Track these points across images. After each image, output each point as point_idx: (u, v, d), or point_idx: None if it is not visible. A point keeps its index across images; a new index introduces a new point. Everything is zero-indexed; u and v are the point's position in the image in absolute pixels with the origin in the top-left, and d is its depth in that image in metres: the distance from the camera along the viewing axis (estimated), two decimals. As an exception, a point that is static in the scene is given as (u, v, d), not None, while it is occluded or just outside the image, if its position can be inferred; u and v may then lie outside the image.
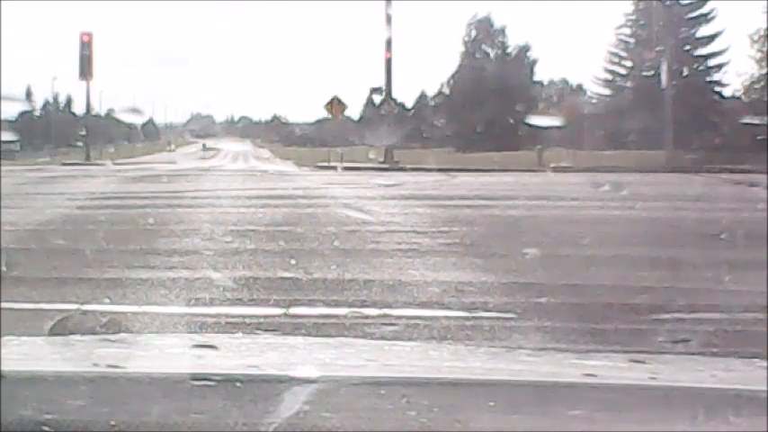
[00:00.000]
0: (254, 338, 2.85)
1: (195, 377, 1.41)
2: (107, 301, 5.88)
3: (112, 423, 1.28)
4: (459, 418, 1.33)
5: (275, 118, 79.01)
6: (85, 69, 40.36)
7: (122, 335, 2.32)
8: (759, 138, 24.34)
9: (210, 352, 1.79)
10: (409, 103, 53.45)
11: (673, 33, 36.49)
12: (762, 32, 36.36)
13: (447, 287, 6.32)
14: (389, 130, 33.61)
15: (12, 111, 54.77)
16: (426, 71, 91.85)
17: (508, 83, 42.00)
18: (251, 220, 10.99)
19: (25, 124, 50.58)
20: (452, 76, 47.40)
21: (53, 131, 54.46)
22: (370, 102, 48.35)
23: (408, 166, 25.66)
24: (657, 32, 36.49)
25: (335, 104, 31.85)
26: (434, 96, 52.60)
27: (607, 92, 41.83)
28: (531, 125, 33.21)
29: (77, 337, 2.14)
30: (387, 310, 5.61)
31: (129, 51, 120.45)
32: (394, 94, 38.66)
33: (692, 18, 39.56)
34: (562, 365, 1.86)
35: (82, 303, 5.66)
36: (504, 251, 7.97)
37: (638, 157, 27.99)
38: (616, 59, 41.52)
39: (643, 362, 1.79)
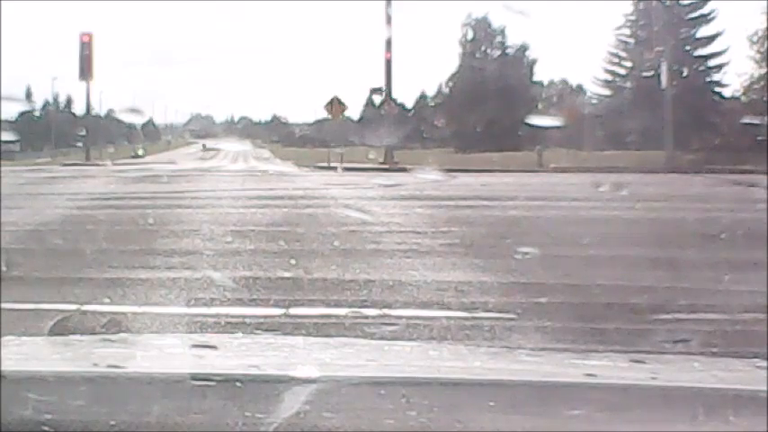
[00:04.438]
0: (254, 338, 2.85)
1: (195, 377, 1.41)
2: (107, 301, 5.88)
3: (112, 423, 1.28)
4: (460, 418, 1.33)
5: (275, 118, 79.13)
6: (85, 70, 40.40)
7: (122, 335, 2.33)
8: (759, 138, 24.36)
9: (210, 352, 1.79)
10: (409, 104, 53.55)
11: (673, 34, 36.50)
12: (760, 33, 36.38)
13: (447, 287, 6.32)
14: (389, 131, 33.61)
15: (12, 111, 54.86)
16: (426, 71, 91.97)
17: (508, 83, 42.05)
18: (251, 221, 10.99)
19: (25, 124, 50.60)
20: (452, 77, 47.49)
21: (53, 132, 54.48)
22: (370, 102, 48.39)
23: (408, 166, 25.66)
24: (657, 33, 36.50)
25: (335, 105, 31.85)
26: (434, 97, 52.71)
27: (607, 92, 41.87)
28: (530, 125, 33.23)
29: (77, 337, 2.14)
30: (387, 310, 5.60)
31: (129, 51, 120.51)
32: (394, 95, 38.68)
33: (691, 18, 39.58)
34: (562, 365, 1.86)
35: (82, 303, 5.66)
36: (504, 251, 7.96)
37: (638, 157, 28.00)
38: (616, 60, 41.57)
39: (643, 362, 1.78)
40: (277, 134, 73.59)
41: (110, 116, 55.57)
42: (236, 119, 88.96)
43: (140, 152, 55.87)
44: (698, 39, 39.75)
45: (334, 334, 4.87)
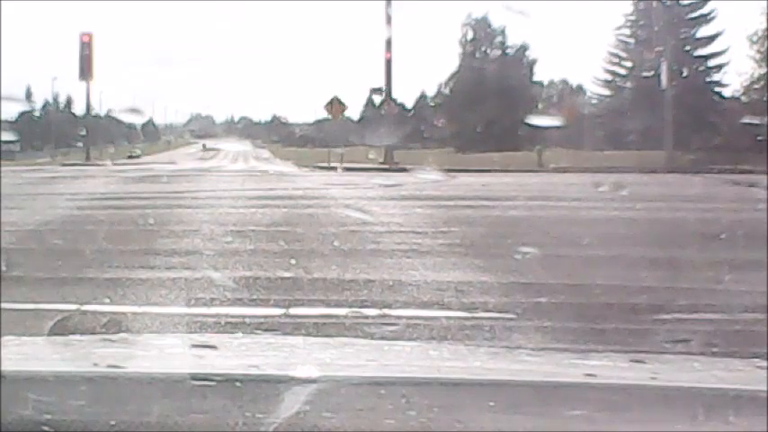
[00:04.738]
0: (254, 338, 2.85)
1: (195, 377, 1.41)
2: (107, 301, 5.88)
3: (112, 423, 1.28)
4: (460, 418, 1.33)
5: (275, 118, 79.10)
6: (85, 70, 40.44)
7: (122, 335, 2.33)
8: (759, 138, 24.35)
9: (210, 352, 1.79)
10: (409, 104, 53.59)
11: (673, 34, 36.51)
12: (760, 33, 36.39)
13: (447, 287, 6.32)
14: (389, 131, 33.64)
15: (12, 111, 54.87)
16: (426, 71, 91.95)
17: (508, 83, 42.06)
18: (251, 221, 10.99)
19: (25, 124, 50.62)
20: (452, 77, 47.50)
21: (53, 132, 54.48)
22: (370, 102, 48.48)
23: (408, 166, 25.66)
24: (657, 33, 36.52)
25: (335, 105, 31.86)
26: (434, 97, 52.72)
27: (607, 92, 41.88)
28: (530, 125, 33.25)
29: (77, 337, 2.15)
30: (387, 310, 5.60)
31: (129, 51, 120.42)
32: (394, 95, 38.72)
33: (691, 18, 39.58)
34: (562, 365, 1.86)
35: (82, 303, 5.66)
36: (504, 251, 7.96)
37: (638, 157, 27.99)
38: (616, 60, 41.58)
39: (643, 362, 1.78)
40: (277, 134, 73.59)
41: (110, 116, 55.48)
42: (236, 119, 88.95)
43: (137, 152, 54.61)
44: (698, 39, 39.75)
45: (334, 334, 4.87)
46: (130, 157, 49.51)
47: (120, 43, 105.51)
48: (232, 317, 5.37)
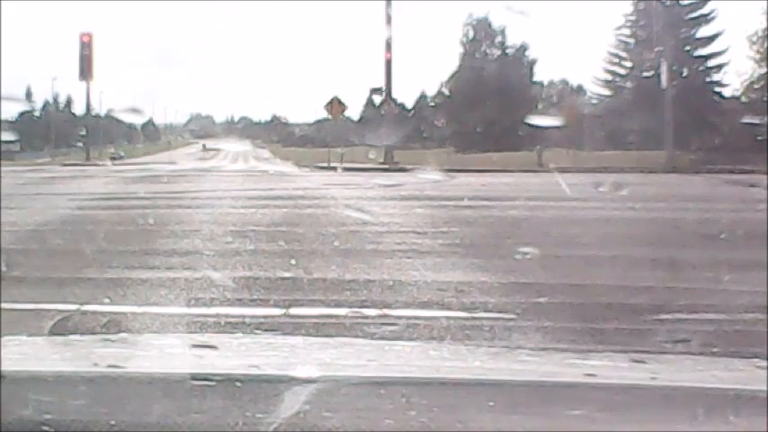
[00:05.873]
0: (254, 338, 2.85)
1: (195, 377, 1.41)
2: (107, 301, 5.88)
3: (112, 423, 1.28)
4: (460, 418, 1.33)
5: (275, 118, 79.04)
6: (85, 69, 40.44)
7: (122, 335, 2.33)
8: (759, 138, 24.39)
9: (210, 352, 1.79)
10: (409, 104, 53.56)
11: (672, 34, 36.52)
12: (760, 33, 36.43)
13: (447, 287, 6.32)
14: (389, 131, 33.64)
15: (12, 111, 54.86)
16: (426, 71, 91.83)
17: (508, 83, 42.08)
18: (251, 221, 10.99)
19: (25, 124, 50.61)
20: (452, 77, 47.49)
21: (53, 132, 54.47)
22: (370, 102, 48.46)
23: (408, 166, 25.66)
24: (657, 33, 36.53)
25: (335, 105, 31.87)
26: (434, 97, 52.71)
27: (607, 92, 41.88)
28: (530, 125, 33.23)
29: (77, 337, 2.15)
30: (387, 311, 5.60)
31: (129, 51, 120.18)
32: (394, 95, 38.72)
33: (691, 18, 39.60)
34: (562, 365, 1.86)
35: (82, 303, 5.66)
36: (504, 251, 7.97)
37: (638, 157, 28.01)
38: (616, 60, 41.59)
39: (643, 362, 1.79)
40: (277, 134, 73.55)
41: (110, 116, 55.39)
42: (236, 119, 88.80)
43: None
44: (698, 39, 39.76)
45: (334, 334, 4.87)
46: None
47: (120, 43, 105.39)
48: (232, 317, 5.37)
